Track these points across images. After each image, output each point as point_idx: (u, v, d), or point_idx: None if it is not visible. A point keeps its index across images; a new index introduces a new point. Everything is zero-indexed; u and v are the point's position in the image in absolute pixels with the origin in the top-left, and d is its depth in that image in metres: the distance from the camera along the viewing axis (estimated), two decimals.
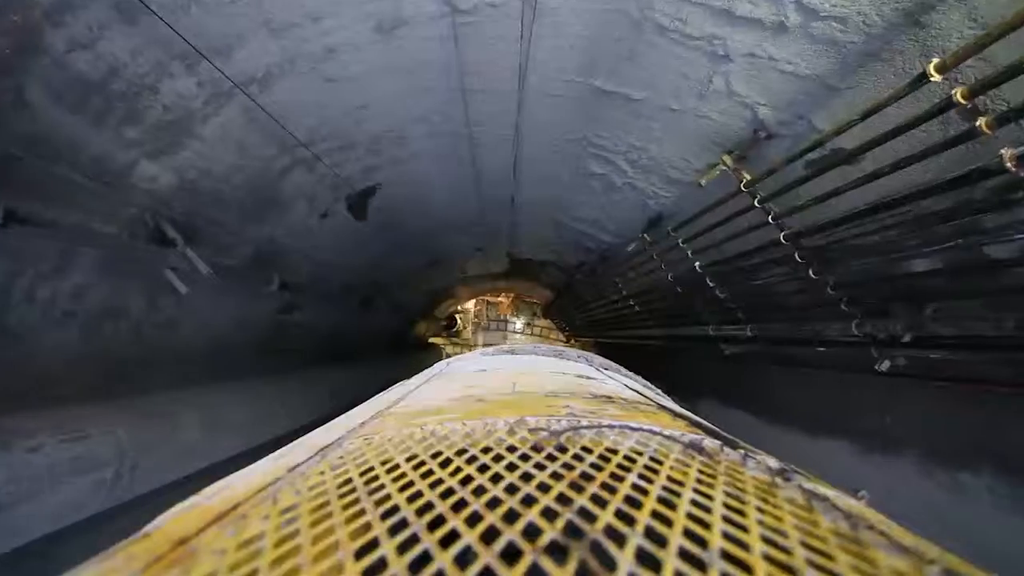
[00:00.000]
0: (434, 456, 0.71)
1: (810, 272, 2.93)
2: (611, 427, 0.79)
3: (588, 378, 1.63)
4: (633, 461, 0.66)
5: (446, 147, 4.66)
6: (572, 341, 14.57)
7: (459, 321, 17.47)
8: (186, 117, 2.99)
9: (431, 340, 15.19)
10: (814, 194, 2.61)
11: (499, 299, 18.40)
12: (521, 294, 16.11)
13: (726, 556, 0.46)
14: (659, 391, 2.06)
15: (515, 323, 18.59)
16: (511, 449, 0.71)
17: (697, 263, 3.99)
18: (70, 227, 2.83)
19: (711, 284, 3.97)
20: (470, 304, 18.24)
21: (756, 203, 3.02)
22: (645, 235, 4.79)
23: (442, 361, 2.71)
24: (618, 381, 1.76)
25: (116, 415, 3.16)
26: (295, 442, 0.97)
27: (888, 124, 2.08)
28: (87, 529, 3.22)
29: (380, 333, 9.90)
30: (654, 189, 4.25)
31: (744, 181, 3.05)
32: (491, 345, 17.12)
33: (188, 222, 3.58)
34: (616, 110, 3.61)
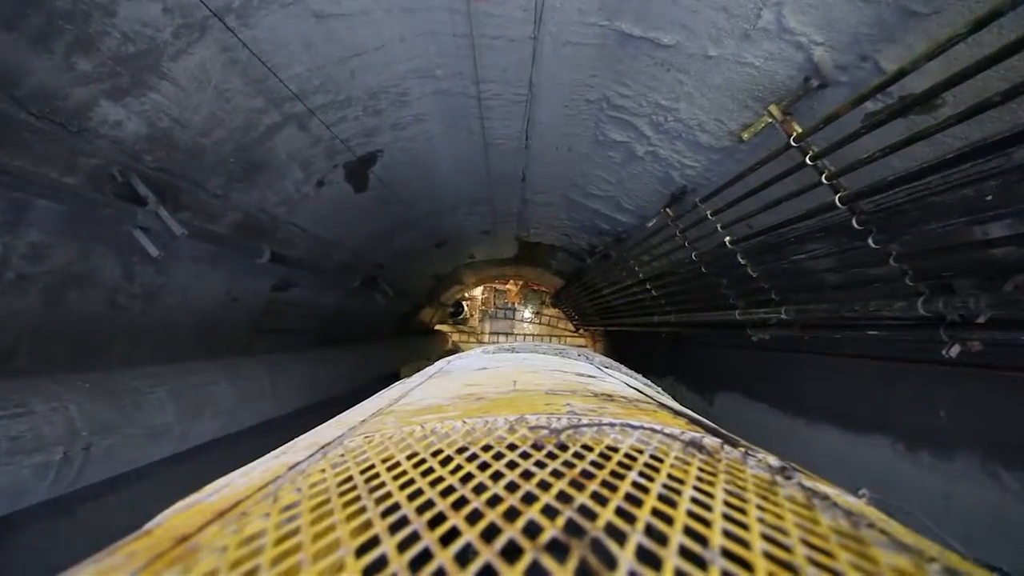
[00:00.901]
0: (434, 454, 0.78)
1: (869, 241, 2.70)
2: (611, 425, 0.86)
3: (588, 376, 1.74)
4: (634, 459, 0.73)
5: (452, 111, 4.61)
6: (581, 331, 15.00)
7: (466, 308, 17.94)
8: (152, 51, 2.79)
9: (437, 327, 15.58)
10: (879, 146, 2.38)
11: (507, 286, 19.08)
12: (529, 282, 16.58)
13: (727, 554, 0.50)
14: (659, 389, 2.17)
15: (523, 312, 19.26)
16: (511, 447, 0.78)
17: (727, 238, 3.94)
18: (18, 173, 2.61)
19: (742, 261, 3.89)
20: (477, 291, 18.90)
21: (808, 160, 2.83)
22: (667, 209, 4.78)
23: (442, 360, 2.87)
24: (618, 379, 1.88)
25: (70, 390, 2.94)
26: (295, 440, 1.05)
27: (982, 51, 1.82)
28: (29, 520, 3.19)
29: (384, 317, 10.06)
30: (679, 158, 4.20)
31: (795, 135, 2.85)
32: (498, 333, 17.64)
33: (164, 180, 3.49)
34: (642, 60, 3.47)
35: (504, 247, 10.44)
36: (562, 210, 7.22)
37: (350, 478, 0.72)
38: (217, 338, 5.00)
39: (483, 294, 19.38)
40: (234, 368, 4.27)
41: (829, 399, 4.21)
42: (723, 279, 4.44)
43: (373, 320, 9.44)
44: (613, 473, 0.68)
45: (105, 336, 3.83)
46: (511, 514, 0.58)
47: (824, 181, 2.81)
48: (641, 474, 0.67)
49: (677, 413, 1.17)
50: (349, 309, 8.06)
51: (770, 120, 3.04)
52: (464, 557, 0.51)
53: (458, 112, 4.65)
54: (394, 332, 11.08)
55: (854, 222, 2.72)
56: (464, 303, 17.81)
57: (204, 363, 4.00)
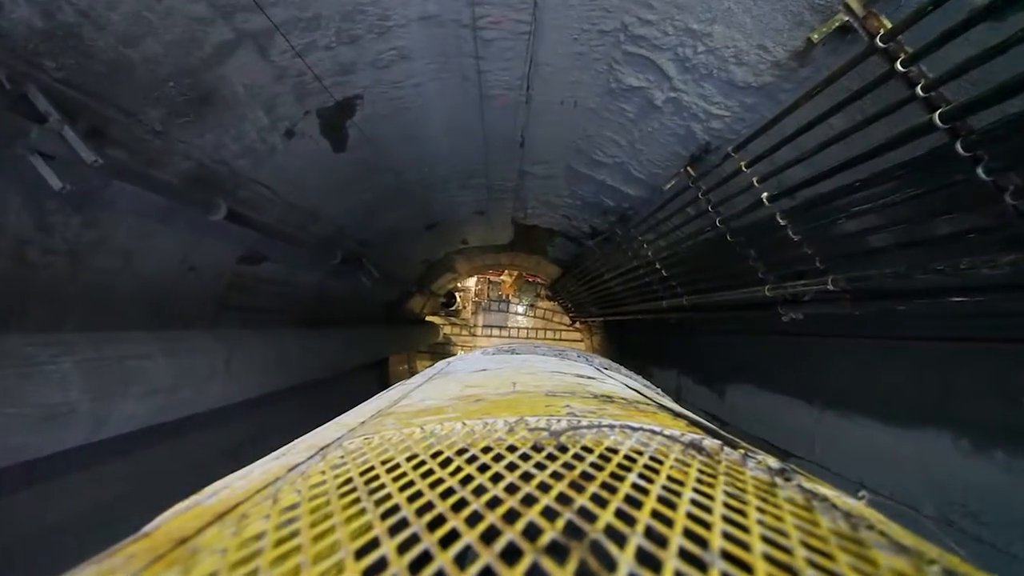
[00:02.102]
0: (434, 456, 0.88)
1: (979, 171, 2.26)
2: (611, 427, 0.96)
3: (588, 378, 1.91)
4: (633, 461, 0.83)
5: (442, 46, 4.41)
6: (577, 324, 15.56)
7: (459, 299, 18.67)
8: None
9: (428, 318, 16.20)
10: (997, 40, 1.97)
11: (501, 277, 19.66)
12: (525, 272, 17.17)
13: (726, 556, 0.58)
14: (659, 390, 2.33)
15: (517, 305, 20.05)
16: (511, 449, 0.88)
17: (765, 194, 3.73)
18: None
19: (781, 222, 3.69)
20: (471, 282, 19.71)
21: (898, 67, 2.43)
22: (689, 168, 4.67)
23: (442, 361, 3.10)
24: (618, 381, 2.05)
25: None
26: (295, 441, 1.17)
27: None
28: None
29: (371, 303, 10.21)
30: (705, 106, 4.10)
31: (882, 32, 2.45)
32: (492, 326, 18.34)
33: (75, 99, 3.05)
34: None
35: (499, 231, 10.49)
36: (563, 184, 7.20)
37: (350, 480, 0.82)
38: (170, 313, 4.82)
39: (477, 285, 20.15)
40: (175, 341, 3.93)
41: (868, 388, 4.11)
42: (751, 249, 4.33)
43: (359, 306, 9.52)
44: (613, 475, 0.77)
45: (10, 299, 3.43)
46: (511, 516, 0.66)
47: (920, 93, 2.41)
48: (641, 476, 0.77)
49: (677, 415, 1.29)
50: (332, 292, 8.10)
51: (846, 19, 2.63)
52: (464, 559, 0.57)
53: (450, 49, 4.45)
54: (382, 320, 11.26)
55: (958, 146, 2.30)
56: (457, 294, 18.53)
57: (134, 333, 3.67)
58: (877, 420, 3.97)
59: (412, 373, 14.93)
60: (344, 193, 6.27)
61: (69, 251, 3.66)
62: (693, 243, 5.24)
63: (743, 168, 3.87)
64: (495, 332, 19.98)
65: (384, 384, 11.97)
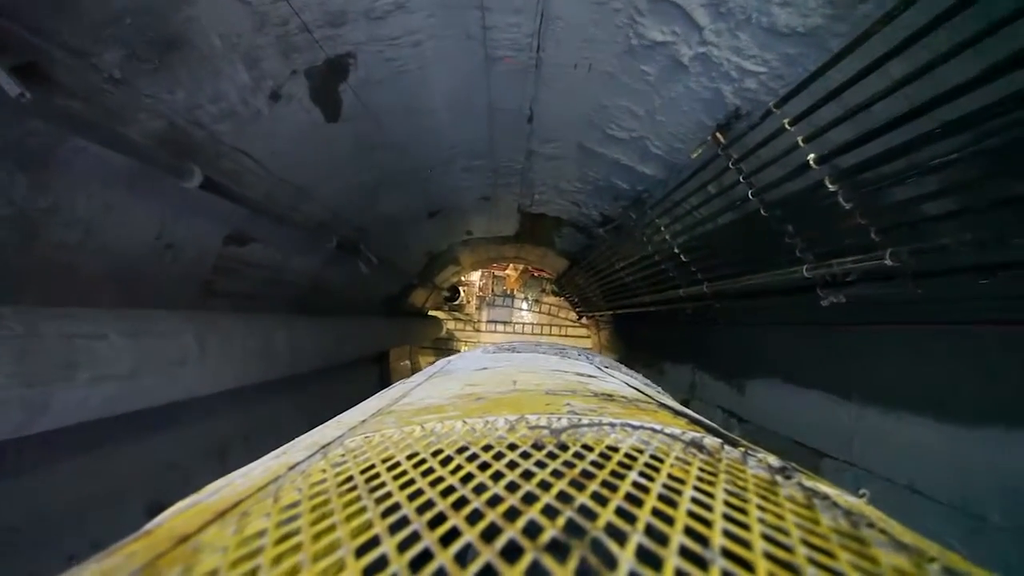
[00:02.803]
0: (435, 454, 0.97)
1: None
2: (612, 425, 1.05)
3: (589, 376, 2.04)
4: (634, 459, 0.92)
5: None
6: (583, 318, 15.88)
7: (462, 294, 19.44)
8: None
9: (431, 313, 16.78)
10: None
11: (506, 272, 20.58)
12: (531, 266, 17.77)
13: (727, 554, 0.64)
14: (660, 389, 2.45)
15: (522, 300, 20.96)
16: (512, 447, 0.97)
17: (811, 156, 3.52)
18: None
19: (830, 187, 3.47)
20: (475, 277, 20.64)
21: None
22: (719, 134, 4.52)
23: (443, 359, 3.27)
24: (618, 379, 2.19)
25: None
26: (296, 440, 1.26)
27: None
28: None
29: (371, 295, 10.42)
30: (739, 61, 3.94)
31: None
32: (496, 322, 19.13)
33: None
34: None
35: (504, 221, 10.66)
36: (573, 165, 7.25)
37: (350, 478, 0.91)
38: (145, 295, 4.66)
39: (481, 279, 21.07)
40: (138, 320, 3.69)
41: (920, 382, 3.99)
42: (788, 224, 4.19)
43: (358, 298, 9.68)
44: (613, 473, 0.86)
45: None
46: (511, 514, 0.73)
47: None
48: (641, 474, 0.86)
49: (677, 413, 1.38)
50: (329, 282, 8.18)
51: None
52: (464, 557, 0.62)
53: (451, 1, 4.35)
54: (383, 313, 11.43)
55: None
56: (460, 288, 19.26)
57: (82, 309, 3.39)
58: (930, 417, 3.87)
59: (415, 369, 15.15)
60: (339, 171, 6.24)
61: (18, 217, 3.45)
62: (717, 223, 5.27)
63: (786, 127, 3.68)
64: (499, 328, 20.83)
65: (385, 379, 12.30)
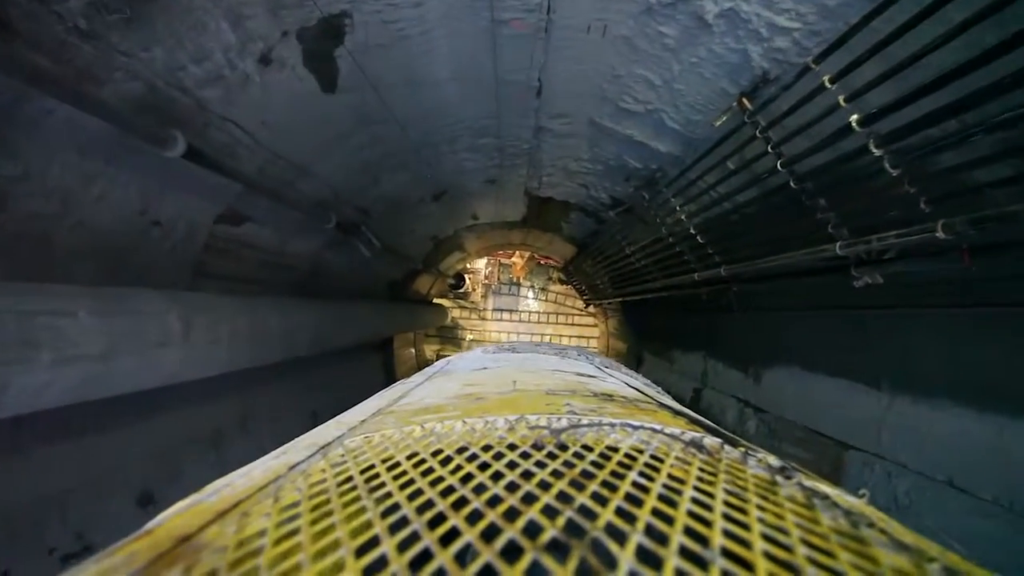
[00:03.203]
0: (434, 454, 1.04)
1: None
2: (612, 425, 1.12)
3: (588, 376, 2.14)
4: (634, 459, 0.97)
5: None
6: (591, 306, 16.18)
7: (468, 281, 19.76)
8: None
9: (436, 301, 17.02)
10: None
11: (512, 259, 20.88)
12: (537, 253, 18.22)
13: (727, 554, 0.68)
14: (659, 389, 2.54)
15: (528, 288, 21.26)
16: (512, 447, 1.03)
17: (854, 118, 3.27)
18: None
19: (875, 152, 3.23)
20: (481, 264, 20.86)
21: None
22: (745, 99, 4.34)
23: (442, 359, 3.49)
24: (618, 379, 2.30)
25: None
26: (296, 440, 1.33)
27: None
28: None
29: (372, 281, 10.52)
30: (771, 16, 3.68)
31: None
32: (502, 310, 19.57)
33: None
34: None
35: (511, 206, 10.71)
36: (584, 143, 7.14)
37: (350, 478, 0.97)
38: (130, 275, 4.57)
39: (487, 267, 21.22)
40: (112, 299, 3.53)
41: (961, 368, 3.93)
42: (820, 198, 4.04)
43: (360, 283, 9.75)
44: (613, 473, 0.92)
45: None
46: (511, 514, 0.77)
47: None
48: (641, 474, 0.91)
49: (677, 413, 1.44)
50: (329, 266, 8.23)
51: None
52: (464, 557, 0.66)
53: None
54: (387, 300, 11.57)
55: None
56: (466, 276, 19.60)
57: (46, 284, 3.22)
58: (974, 408, 3.79)
59: (419, 357, 15.47)
60: (338, 147, 6.18)
61: None
62: (737, 201, 5.18)
63: (826, 84, 3.43)
64: (505, 316, 21.02)
65: (389, 367, 12.53)
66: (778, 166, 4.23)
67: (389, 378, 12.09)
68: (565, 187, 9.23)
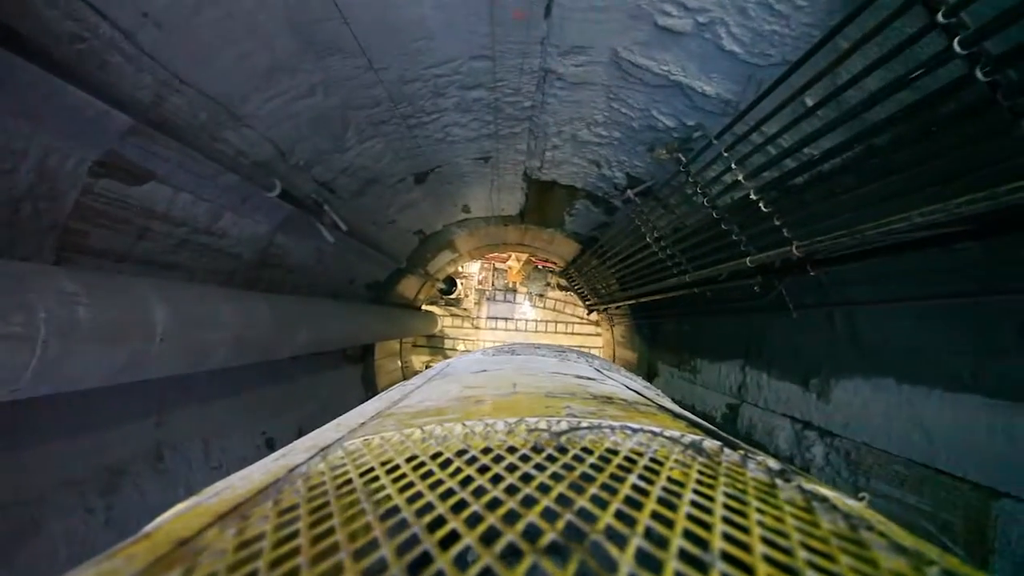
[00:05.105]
0: (434, 457, 1.05)
1: None
2: (611, 428, 1.14)
3: (588, 379, 2.17)
4: (633, 462, 0.99)
5: None
6: (594, 314, 15.95)
7: (460, 286, 19.20)
8: None
9: (425, 308, 16.69)
10: None
11: (508, 263, 20.63)
12: (535, 255, 17.73)
13: (727, 557, 0.70)
14: (659, 391, 2.58)
15: (525, 295, 21.04)
16: (511, 450, 1.05)
17: (957, 39, 2.41)
18: None
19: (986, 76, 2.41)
20: (474, 268, 20.65)
21: None
22: None
23: (442, 362, 3.43)
24: (618, 382, 2.34)
25: None
26: (295, 442, 1.34)
27: None
28: None
29: (346, 280, 9.56)
30: None
31: None
32: (497, 318, 19.35)
33: None
34: None
35: (507, 195, 9.91)
36: (602, 96, 5.73)
37: (349, 481, 0.98)
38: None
39: (480, 272, 21.03)
40: None
41: None
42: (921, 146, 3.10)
43: (329, 281, 8.72)
44: (613, 476, 0.93)
45: None
46: (511, 517, 0.78)
47: None
48: (641, 477, 0.93)
49: (677, 416, 1.47)
50: (287, 255, 6.96)
51: None
52: (463, 561, 0.68)
53: None
54: (367, 301, 10.76)
55: None
56: (458, 280, 19.07)
57: None
58: None
59: (406, 370, 14.92)
60: (277, 82, 4.65)
61: None
62: (818, 150, 3.83)
63: None
64: (500, 325, 20.79)
65: (369, 382, 11.81)
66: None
67: (370, 393, 11.38)
68: (572, 166, 8.09)
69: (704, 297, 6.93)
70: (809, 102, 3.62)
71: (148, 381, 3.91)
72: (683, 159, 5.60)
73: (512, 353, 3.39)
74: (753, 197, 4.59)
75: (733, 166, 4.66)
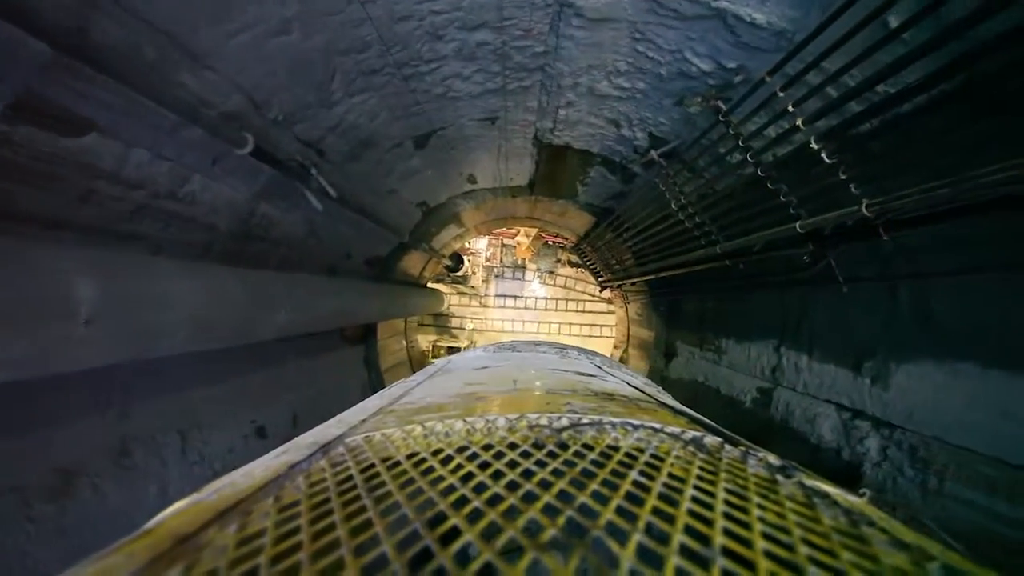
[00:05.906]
0: (435, 453, 1.06)
1: None
2: (612, 424, 1.14)
3: (589, 375, 2.19)
4: (634, 458, 1.00)
5: None
6: (607, 292, 15.76)
7: (467, 263, 18.51)
8: None
9: (430, 286, 16.11)
10: None
11: (516, 240, 20.02)
12: (545, 230, 17.18)
13: (728, 553, 0.70)
14: (660, 388, 2.60)
15: (535, 271, 20.63)
16: (512, 446, 1.05)
17: None
18: None
19: None
20: (481, 244, 20.08)
21: None
22: None
23: (442, 359, 3.44)
24: (619, 378, 2.35)
25: None
26: (297, 439, 1.35)
27: None
28: None
29: (347, 254, 8.93)
30: None
31: None
32: (505, 296, 19.22)
33: None
34: None
35: (516, 163, 9.52)
36: (625, 36, 4.83)
37: (350, 477, 0.99)
38: None
39: (488, 248, 20.53)
40: None
41: None
42: None
43: (324, 256, 8.04)
44: (614, 472, 0.94)
45: None
46: (512, 513, 0.79)
47: None
48: (642, 473, 0.93)
49: (678, 412, 1.47)
50: (272, 226, 6.24)
51: None
52: (464, 557, 0.69)
53: None
54: (368, 279, 9.93)
55: None
56: (465, 256, 18.39)
57: None
58: None
59: (412, 350, 14.58)
60: (244, 15, 3.86)
61: None
62: (896, 86, 3.18)
63: None
64: (508, 303, 20.51)
65: (372, 364, 11.30)
66: None
67: (372, 375, 11.08)
68: (588, 126, 7.06)
69: (735, 270, 6.21)
70: (893, 22, 2.96)
71: (102, 368, 3.32)
72: (723, 107, 4.83)
73: (513, 350, 3.44)
74: (814, 146, 3.81)
75: (791, 108, 3.88)
